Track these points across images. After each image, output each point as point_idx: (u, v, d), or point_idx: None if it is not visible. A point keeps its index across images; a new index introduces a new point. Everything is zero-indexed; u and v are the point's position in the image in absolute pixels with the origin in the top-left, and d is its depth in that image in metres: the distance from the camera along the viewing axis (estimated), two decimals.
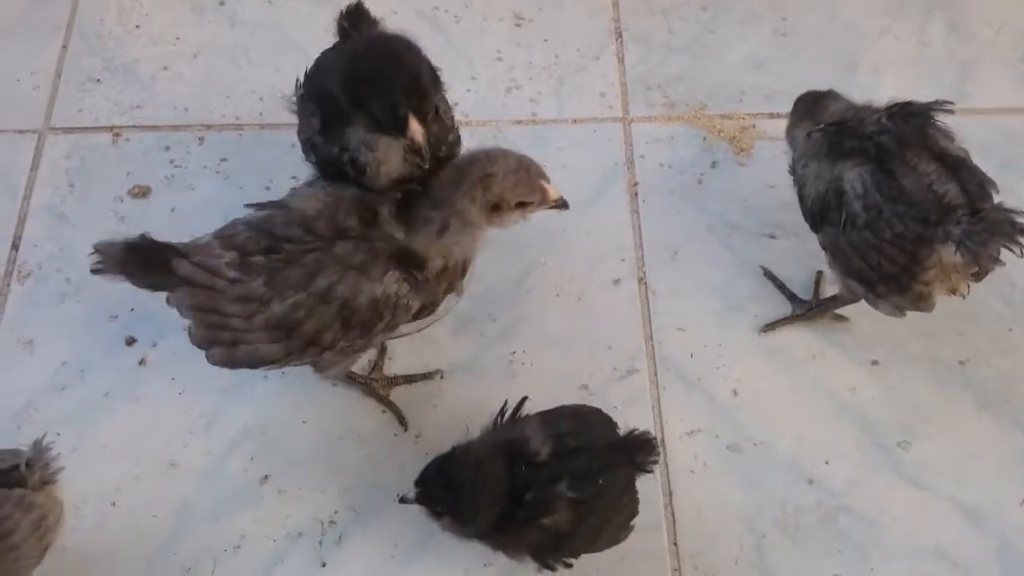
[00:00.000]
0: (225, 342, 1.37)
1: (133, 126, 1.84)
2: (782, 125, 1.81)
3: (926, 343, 1.61)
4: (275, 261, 1.33)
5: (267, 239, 1.35)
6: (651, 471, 1.32)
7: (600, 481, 1.27)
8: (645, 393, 1.58)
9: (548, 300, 1.66)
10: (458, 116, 1.81)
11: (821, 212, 1.45)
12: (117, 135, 1.83)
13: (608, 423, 1.35)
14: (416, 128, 1.30)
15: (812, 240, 1.69)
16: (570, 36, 1.93)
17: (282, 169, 1.80)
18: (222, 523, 1.48)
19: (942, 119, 1.45)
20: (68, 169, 1.79)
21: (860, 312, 1.62)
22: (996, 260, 1.37)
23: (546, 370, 1.60)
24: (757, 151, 1.81)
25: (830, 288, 1.62)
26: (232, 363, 1.38)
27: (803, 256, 1.69)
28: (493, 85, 1.89)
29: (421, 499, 1.28)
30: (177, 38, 1.92)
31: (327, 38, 1.88)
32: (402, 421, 1.56)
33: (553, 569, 1.31)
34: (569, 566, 1.32)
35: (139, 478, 1.51)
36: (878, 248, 1.38)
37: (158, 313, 1.63)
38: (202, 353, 1.58)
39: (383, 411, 1.58)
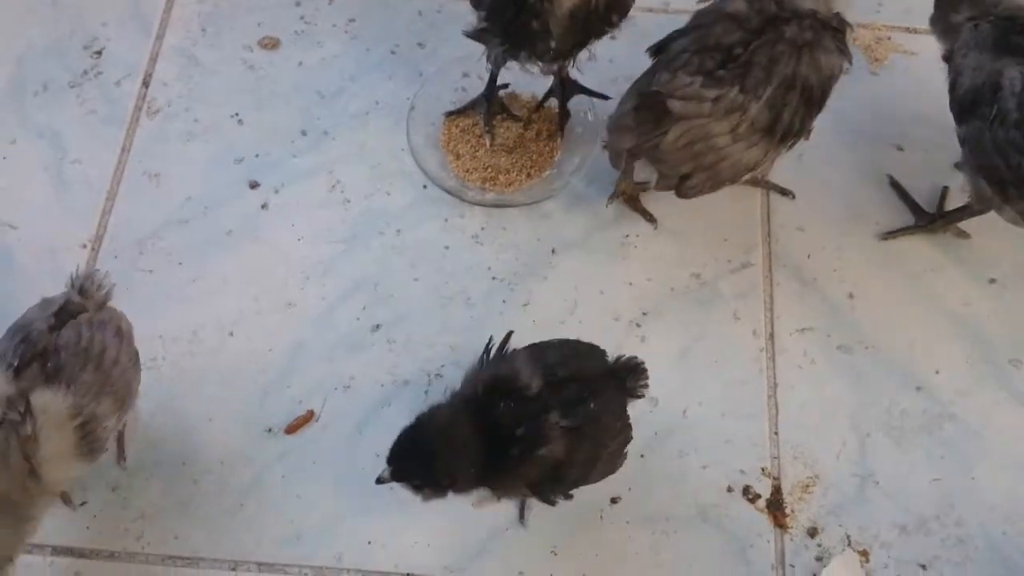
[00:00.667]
0: (708, 166, 1.42)
1: None
2: (918, 40, 1.79)
3: None
4: (736, 69, 1.38)
5: (718, 53, 1.40)
6: (642, 395, 1.31)
7: (592, 406, 1.24)
8: (758, 287, 1.57)
9: None
10: None
11: (972, 104, 1.41)
12: None
13: (597, 353, 1.33)
14: None
15: (939, 156, 1.67)
16: None
17: (408, 34, 1.81)
18: (334, 364, 1.51)
19: None
20: (200, 13, 1.81)
21: (981, 230, 1.60)
22: None
23: (658, 255, 1.61)
24: (891, 63, 1.78)
25: (955, 204, 1.60)
26: (715, 185, 1.45)
27: (929, 170, 1.66)
28: None
29: (396, 476, 1.24)
30: None
31: None
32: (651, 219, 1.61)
33: (553, 503, 1.28)
34: (569, 497, 1.29)
35: (257, 313, 1.55)
36: (1021, 149, 1.36)
37: (283, 160, 1.68)
38: (320, 204, 1.63)
39: (493, 277, 1.60)
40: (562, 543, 1.39)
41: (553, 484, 1.26)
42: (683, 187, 1.46)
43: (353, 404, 1.49)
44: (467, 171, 1.66)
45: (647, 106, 1.43)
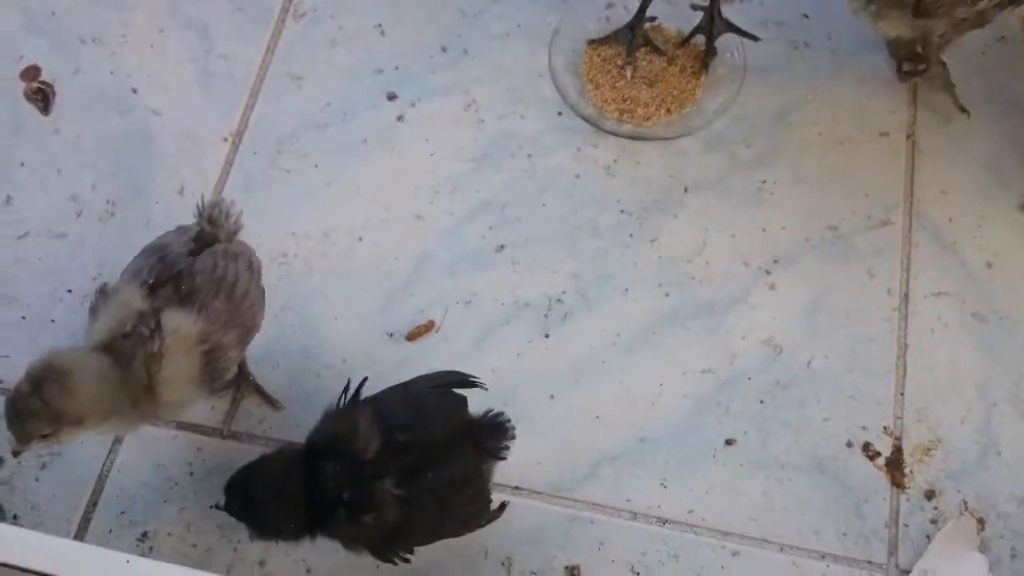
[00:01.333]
0: None
1: None
2: None
3: None
4: None
5: None
6: (503, 458, 1.22)
7: (430, 475, 1.16)
8: (896, 247, 1.53)
9: (809, 137, 1.62)
10: None
11: None
12: None
13: (456, 404, 1.22)
14: None
15: None
16: None
17: None
18: (457, 278, 1.52)
19: None
20: None
21: None
22: None
23: (795, 204, 1.57)
24: None
25: None
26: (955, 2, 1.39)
27: None
28: None
29: (226, 508, 1.20)
30: None
31: None
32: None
33: (393, 563, 1.21)
34: (407, 561, 1.21)
35: (386, 222, 1.56)
36: None
37: (421, 75, 1.68)
38: (454, 121, 1.64)
39: (622, 210, 1.58)
40: (672, 477, 1.38)
41: (391, 546, 1.20)
42: (924, 3, 1.40)
43: (473, 319, 1.49)
44: (605, 101, 1.64)
45: None
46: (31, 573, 1.01)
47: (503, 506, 1.32)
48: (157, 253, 1.24)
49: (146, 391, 1.17)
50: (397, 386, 1.24)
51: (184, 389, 1.20)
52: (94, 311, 1.20)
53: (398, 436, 1.16)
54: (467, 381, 1.24)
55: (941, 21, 1.46)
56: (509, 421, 1.22)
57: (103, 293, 1.20)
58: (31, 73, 1.65)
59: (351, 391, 1.21)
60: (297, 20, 1.73)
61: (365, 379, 1.23)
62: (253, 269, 1.28)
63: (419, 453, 1.17)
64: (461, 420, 1.21)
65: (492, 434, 1.21)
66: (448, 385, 1.24)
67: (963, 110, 1.62)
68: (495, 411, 1.22)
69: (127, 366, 1.16)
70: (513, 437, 1.22)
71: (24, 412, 1.12)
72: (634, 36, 1.65)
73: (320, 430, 1.20)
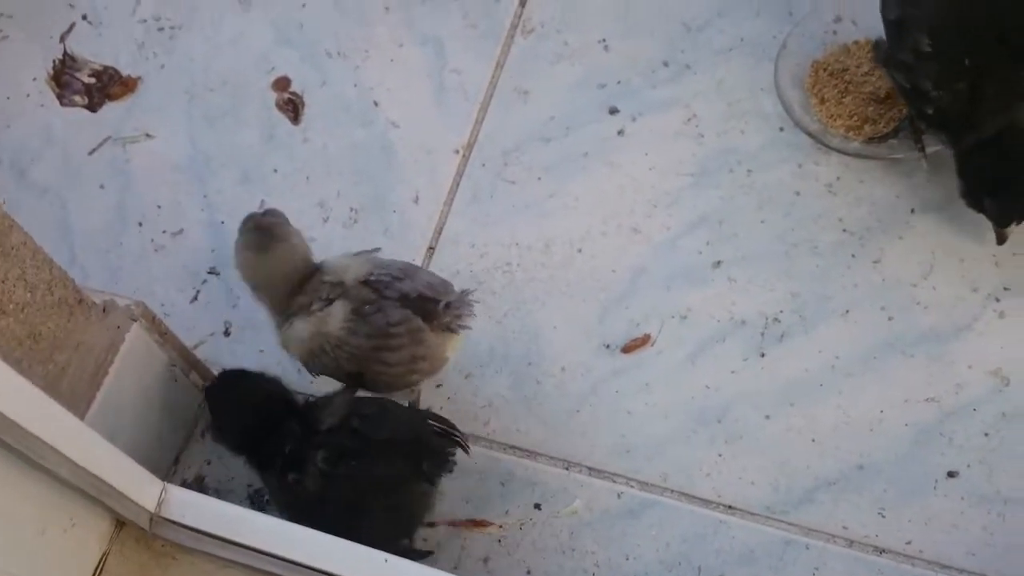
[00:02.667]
0: None
1: None
2: None
3: None
4: None
5: None
6: (433, 484, 1.30)
7: (353, 464, 1.24)
8: None
9: None
10: None
11: None
12: None
13: (420, 422, 1.31)
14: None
15: None
16: None
17: None
18: (672, 292, 1.55)
19: None
20: None
21: None
22: None
23: None
24: None
25: None
26: None
27: None
28: None
29: (206, 391, 1.37)
30: None
31: None
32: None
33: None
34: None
35: (604, 234, 1.61)
36: None
37: (643, 90, 1.71)
38: (674, 136, 1.66)
39: (844, 229, 1.57)
40: (890, 506, 1.37)
41: (306, 514, 1.25)
42: None
43: (688, 334, 1.52)
44: (831, 116, 1.62)
45: None
46: (291, 563, 1.12)
47: (427, 554, 1.37)
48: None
49: None
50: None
51: None
52: None
53: (353, 422, 1.27)
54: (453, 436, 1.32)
55: None
56: (454, 455, 1.30)
57: None
58: (282, 84, 1.80)
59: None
60: (526, 36, 1.79)
61: (360, 374, 1.33)
62: (415, 365, 1.35)
63: (361, 443, 1.27)
64: (415, 436, 1.30)
65: (433, 458, 1.29)
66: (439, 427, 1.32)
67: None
68: (443, 446, 1.30)
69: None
70: (450, 471, 1.30)
71: None
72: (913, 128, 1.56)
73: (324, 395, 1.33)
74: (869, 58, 1.63)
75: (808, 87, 1.66)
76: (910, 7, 1.36)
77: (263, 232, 1.35)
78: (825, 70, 1.66)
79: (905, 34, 1.36)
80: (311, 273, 1.35)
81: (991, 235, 1.50)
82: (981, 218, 1.52)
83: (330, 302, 1.32)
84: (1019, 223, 1.38)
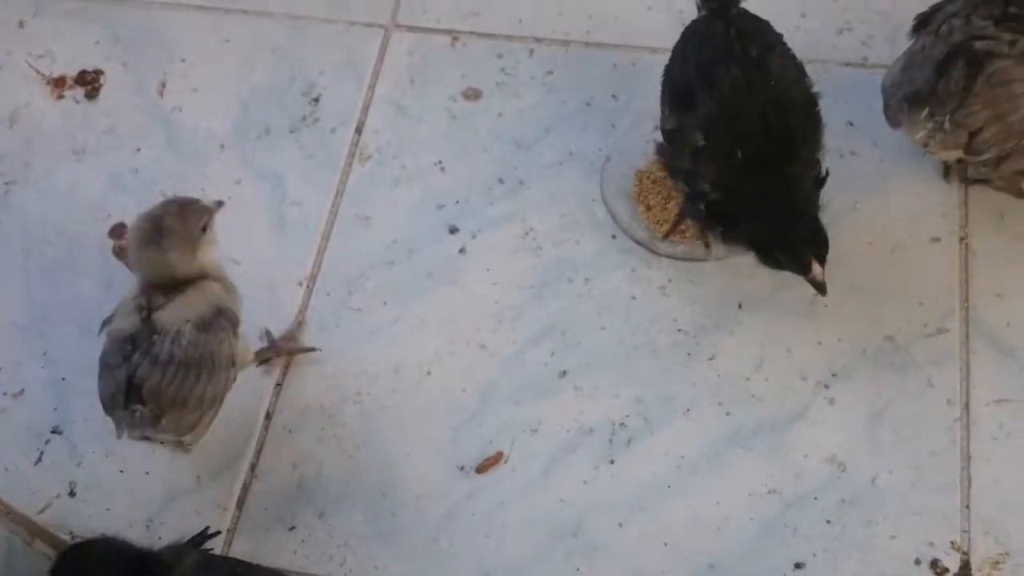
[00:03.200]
0: (1003, 115, 1.45)
1: (471, 32, 1.94)
2: None
3: None
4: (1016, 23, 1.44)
5: (995, 7, 1.46)
6: None
7: None
8: (954, 354, 1.54)
9: (860, 247, 1.65)
10: None
11: None
12: (455, 39, 1.94)
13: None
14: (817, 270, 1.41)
15: None
16: None
17: (603, 86, 1.86)
18: (522, 407, 1.58)
19: None
20: (409, 65, 1.92)
21: None
22: None
23: (850, 315, 1.60)
24: None
25: None
26: (1005, 138, 1.47)
27: None
28: (825, 23, 1.86)
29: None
30: None
31: None
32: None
33: None
34: None
35: (452, 354, 1.64)
36: None
37: (480, 207, 1.77)
38: (513, 250, 1.71)
39: (679, 329, 1.63)
40: None
41: None
42: (974, 143, 1.48)
43: (540, 448, 1.55)
44: (658, 222, 1.70)
45: (971, 61, 1.45)
46: None
47: None
48: None
49: None
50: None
51: None
52: None
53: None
54: None
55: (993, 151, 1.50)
56: None
57: None
58: (119, 231, 1.78)
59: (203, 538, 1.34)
60: (363, 163, 1.83)
61: (217, 533, 1.38)
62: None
63: None
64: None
65: None
66: None
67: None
68: None
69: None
70: None
71: None
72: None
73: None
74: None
75: (634, 196, 1.73)
76: (685, 115, 1.47)
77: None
78: (648, 178, 1.74)
79: (682, 140, 1.48)
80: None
81: (814, 323, 1.59)
82: (805, 305, 1.60)
83: None
84: (820, 263, 1.44)
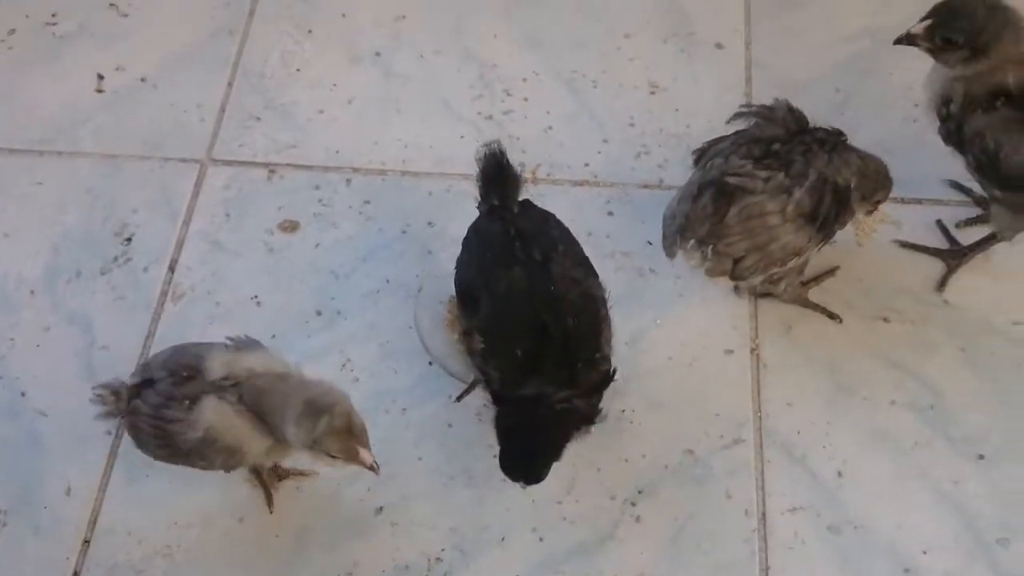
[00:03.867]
0: (762, 245, 1.56)
1: (287, 164, 1.97)
2: (906, 209, 1.85)
3: None
4: (778, 159, 1.56)
5: (758, 146, 1.58)
6: None
7: None
8: (750, 464, 1.62)
9: (659, 362, 1.73)
10: (587, 176, 1.93)
11: None
12: (272, 171, 1.97)
13: None
14: None
15: (925, 326, 1.73)
16: (702, 108, 1.99)
17: (419, 213, 1.91)
18: (337, 550, 1.58)
19: None
20: (225, 199, 1.94)
21: (970, 404, 1.65)
22: None
23: (653, 431, 1.66)
24: (878, 234, 1.83)
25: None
26: (767, 266, 1.58)
27: (916, 341, 1.72)
28: (624, 149, 1.96)
29: None
30: (334, 84, 2.06)
31: (472, 94, 2.02)
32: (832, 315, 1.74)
33: None
34: None
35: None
36: None
37: (298, 340, 1.78)
38: (332, 382, 1.71)
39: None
40: None
41: None
42: (738, 269, 1.57)
43: None
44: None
45: (720, 191, 1.55)
46: None
47: None
48: None
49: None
50: None
51: None
52: None
53: None
54: None
55: (758, 276, 1.61)
56: None
57: None
58: None
59: None
60: (176, 302, 1.82)
61: None
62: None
63: None
64: None
65: None
66: None
67: (833, 316, 1.74)
68: None
69: None
70: None
71: None
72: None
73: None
74: None
75: (448, 324, 1.77)
76: (471, 317, 1.51)
77: None
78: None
79: (472, 339, 1.52)
80: None
81: (621, 440, 1.65)
82: (612, 422, 1.65)
83: None
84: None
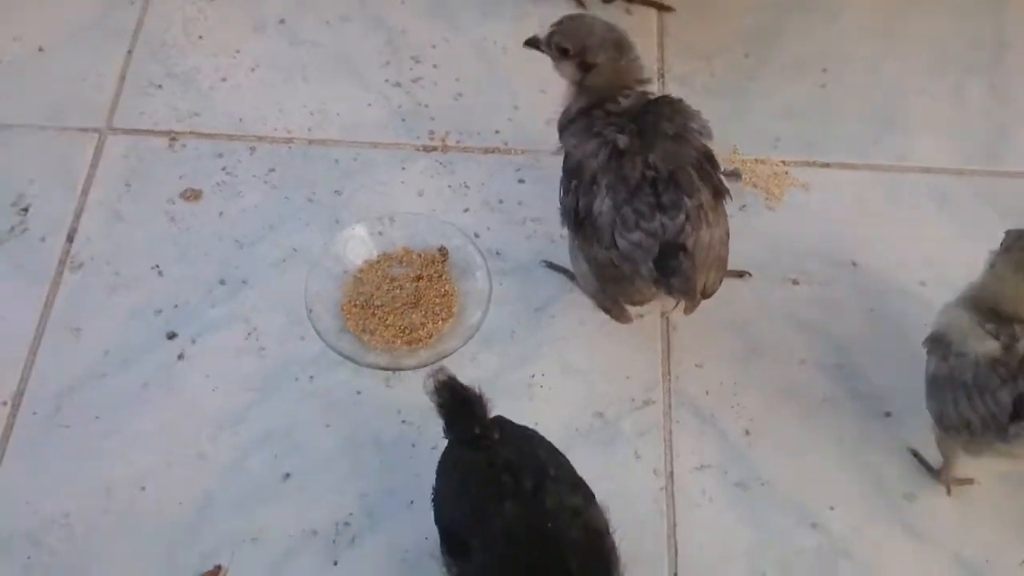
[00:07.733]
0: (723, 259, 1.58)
1: (190, 132, 1.92)
2: (815, 172, 1.87)
3: None
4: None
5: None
6: None
7: None
8: (659, 425, 1.62)
9: (572, 327, 1.72)
10: (498, 143, 1.91)
11: None
12: (174, 140, 1.91)
13: None
14: None
15: (832, 288, 1.74)
16: None
17: (325, 181, 1.88)
18: (242, 516, 1.54)
19: None
20: (125, 169, 1.88)
21: (878, 363, 1.67)
22: None
23: (563, 395, 1.65)
24: (788, 198, 1.85)
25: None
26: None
27: (824, 302, 1.73)
28: (534, 115, 1.95)
29: None
30: (237, 51, 2.01)
31: (380, 60, 1.99)
32: None
33: None
34: None
35: (169, 466, 1.58)
36: None
37: (201, 310, 1.73)
38: (236, 353, 1.68)
39: (403, 420, 1.64)
40: None
41: None
42: (707, 290, 1.56)
43: (261, 557, 1.51)
44: (386, 341, 1.68)
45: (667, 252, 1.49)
46: None
47: None
48: None
49: None
50: None
51: None
52: None
53: None
54: None
55: None
56: None
57: None
58: None
59: None
60: (75, 272, 1.76)
61: None
62: None
63: None
64: None
65: None
66: None
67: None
68: None
69: None
70: None
71: None
72: None
73: None
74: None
75: (351, 327, 1.70)
76: (461, 562, 1.34)
77: None
78: (355, 305, 1.72)
79: None
80: None
81: (533, 404, 1.63)
82: (523, 388, 1.65)
83: None
84: None
